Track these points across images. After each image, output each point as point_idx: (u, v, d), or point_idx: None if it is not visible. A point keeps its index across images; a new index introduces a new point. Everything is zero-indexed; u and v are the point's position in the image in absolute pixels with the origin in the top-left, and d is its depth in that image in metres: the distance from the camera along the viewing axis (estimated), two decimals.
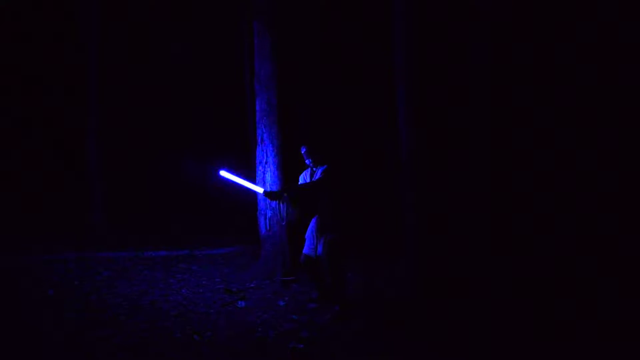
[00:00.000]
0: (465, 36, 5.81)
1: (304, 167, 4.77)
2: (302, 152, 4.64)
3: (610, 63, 5.67)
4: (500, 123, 6.04)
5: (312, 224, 4.63)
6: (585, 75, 5.74)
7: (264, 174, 5.89)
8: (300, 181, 4.69)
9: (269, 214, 5.96)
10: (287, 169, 6.04)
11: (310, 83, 6.47)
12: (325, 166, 4.52)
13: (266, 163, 5.91)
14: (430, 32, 5.07)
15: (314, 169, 4.62)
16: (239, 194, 6.78)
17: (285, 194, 4.57)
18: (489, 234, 5.86)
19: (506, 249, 5.74)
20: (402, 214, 5.07)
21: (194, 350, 3.64)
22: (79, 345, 3.68)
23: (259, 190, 4.70)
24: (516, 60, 5.90)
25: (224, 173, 4.41)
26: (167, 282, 5.70)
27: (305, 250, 4.58)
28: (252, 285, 5.57)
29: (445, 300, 4.75)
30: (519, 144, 6.08)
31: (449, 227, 5.72)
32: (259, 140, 5.92)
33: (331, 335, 4.01)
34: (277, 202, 4.71)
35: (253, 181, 6.01)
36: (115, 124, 7.60)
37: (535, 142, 6.07)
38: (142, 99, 7.35)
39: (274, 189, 5.81)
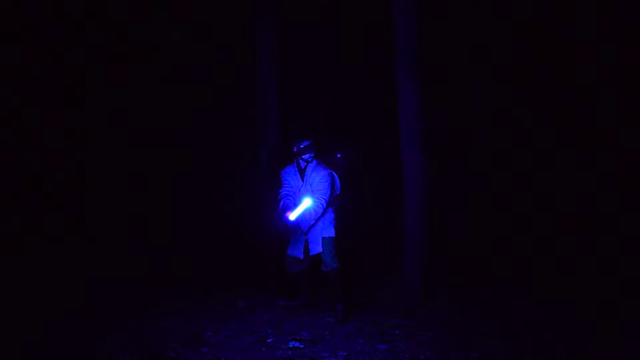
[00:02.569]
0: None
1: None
2: (303, 145, 4.37)
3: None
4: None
5: (298, 225, 4.48)
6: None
7: (266, 171, 5.88)
8: (292, 182, 4.48)
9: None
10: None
11: (310, 82, 6.47)
12: (323, 170, 4.39)
13: (269, 159, 5.90)
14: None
15: (308, 165, 4.42)
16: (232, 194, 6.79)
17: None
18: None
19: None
20: (403, 214, 5.04)
21: (194, 350, 3.63)
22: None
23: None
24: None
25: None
26: (168, 282, 5.69)
27: (291, 252, 4.54)
28: (252, 285, 5.56)
29: (447, 302, 4.76)
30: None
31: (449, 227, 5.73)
32: (260, 141, 5.92)
33: (332, 335, 4.01)
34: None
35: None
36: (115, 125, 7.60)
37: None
38: (142, 99, 7.34)
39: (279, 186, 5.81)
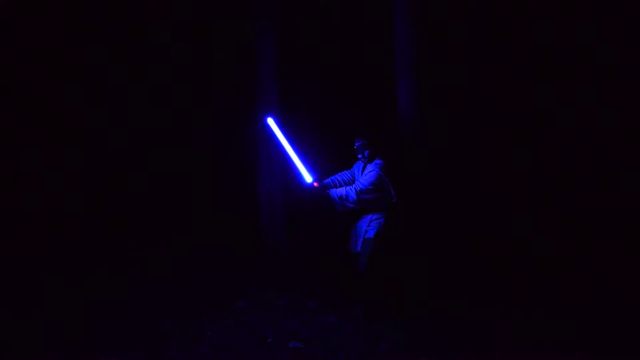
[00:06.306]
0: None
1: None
2: (357, 145, 4.42)
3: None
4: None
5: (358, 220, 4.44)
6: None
7: (266, 170, 5.90)
8: (354, 174, 4.51)
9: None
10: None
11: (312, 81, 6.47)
12: (374, 166, 4.35)
13: (268, 159, 5.91)
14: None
15: (367, 163, 4.41)
16: (236, 190, 6.78)
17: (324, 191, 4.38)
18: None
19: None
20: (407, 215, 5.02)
21: (194, 350, 3.63)
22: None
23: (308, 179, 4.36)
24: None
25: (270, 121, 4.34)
26: (168, 283, 5.68)
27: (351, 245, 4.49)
28: (252, 285, 5.56)
29: (448, 302, 4.75)
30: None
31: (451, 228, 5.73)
32: (260, 139, 5.93)
33: (332, 335, 4.01)
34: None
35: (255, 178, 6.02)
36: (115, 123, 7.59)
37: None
38: (142, 98, 7.33)
39: (279, 185, 5.83)
